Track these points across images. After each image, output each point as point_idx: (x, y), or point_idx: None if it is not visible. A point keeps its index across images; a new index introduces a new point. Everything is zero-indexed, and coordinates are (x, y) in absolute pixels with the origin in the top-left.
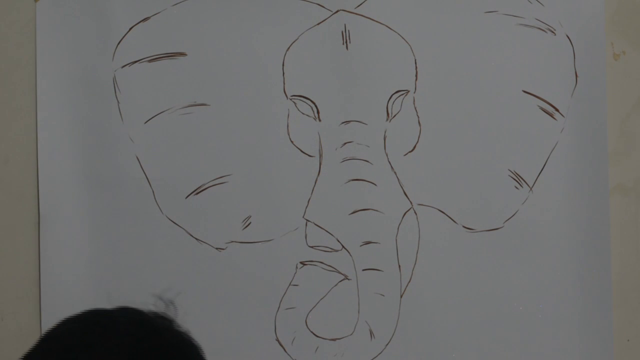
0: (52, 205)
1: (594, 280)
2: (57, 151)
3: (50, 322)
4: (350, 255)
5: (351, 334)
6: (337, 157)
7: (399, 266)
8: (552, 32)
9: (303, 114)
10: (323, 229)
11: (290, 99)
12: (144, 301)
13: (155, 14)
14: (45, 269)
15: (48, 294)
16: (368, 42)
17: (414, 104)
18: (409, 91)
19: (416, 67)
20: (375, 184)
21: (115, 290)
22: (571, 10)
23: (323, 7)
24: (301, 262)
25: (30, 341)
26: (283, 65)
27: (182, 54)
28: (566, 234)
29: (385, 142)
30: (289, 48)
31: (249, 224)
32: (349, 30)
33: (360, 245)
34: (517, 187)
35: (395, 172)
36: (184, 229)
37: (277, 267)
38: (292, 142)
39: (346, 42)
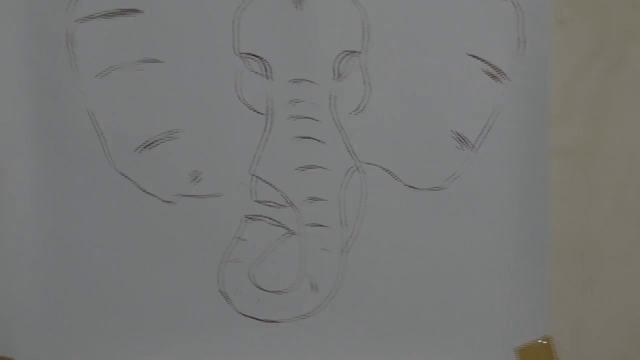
0: (2, 155)
1: (532, 239)
2: (8, 101)
3: None
4: (296, 210)
5: (294, 287)
6: (286, 115)
7: (343, 222)
8: None
9: (253, 71)
10: (269, 184)
11: (241, 57)
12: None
13: None
14: None
15: None
16: (320, 4)
17: (362, 65)
18: (358, 52)
19: (365, 29)
20: (322, 142)
21: (64, 239)
22: None
23: None
24: (247, 216)
25: None
26: (235, 23)
27: (138, 11)
28: (508, 193)
29: (334, 101)
30: (239, 6)
31: (197, 178)
32: None
33: (305, 201)
34: (459, 148)
35: (342, 131)
36: (133, 181)
37: (223, 221)
38: (241, 99)
39: (298, 2)
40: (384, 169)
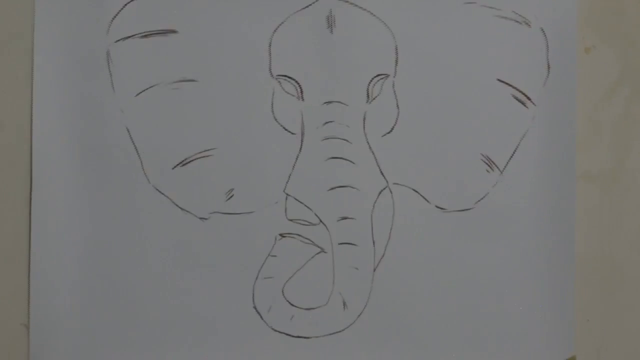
0: (45, 171)
1: (558, 262)
2: (51, 120)
3: (38, 283)
4: (327, 229)
5: (325, 304)
6: (318, 136)
7: (373, 241)
8: (528, 24)
9: (287, 93)
10: (302, 203)
11: (276, 78)
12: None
13: None
14: (35, 231)
15: (37, 256)
16: (352, 27)
17: (393, 87)
18: (389, 75)
19: (397, 53)
20: (353, 163)
21: (102, 253)
22: (546, 5)
23: None
24: (280, 234)
25: (18, 302)
26: (270, 45)
27: (174, 31)
28: (534, 216)
29: (365, 123)
30: (276, 29)
31: (231, 196)
32: (334, 15)
33: (337, 220)
34: (488, 171)
35: (373, 152)
36: (169, 198)
37: (257, 238)
38: (275, 119)
39: (331, 26)
40: (413, 189)
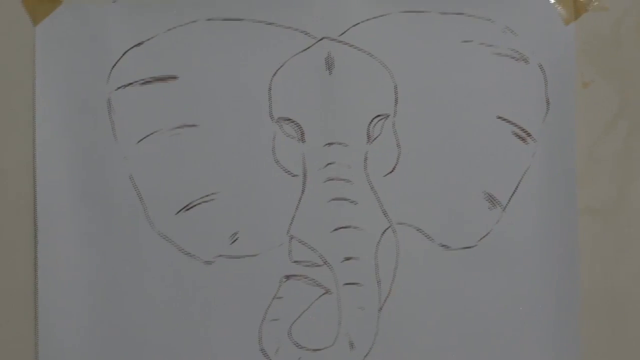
0: (49, 220)
1: (563, 297)
2: (53, 169)
3: (46, 331)
4: (332, 270)
5: (332, 345)
6: (320, 177)
7: (378, 281)
8: (525, 61)
9: (288, 135)
10: (306, 244)
11: (276, 122)
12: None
13: (149, 39)
14: (42, 280)
15: (44, 304)
16: (350, 69)
17: (393, 127)
18: (389, 115)
19: (396, 93)
20: (356, 203)
21: (108, 300)
22: (543, 41)
23: (308, 34)
24: (285, 276)
25: (25, 349)
26: (269, 89)
27: (174, 77)
28: (537, 252)
29: (366, 163)
30: (275, 73)
31: (236, 239)
32: (332, 57)
33: (342, 261)
34: (490, 208)
35: (375, 192)
36: (174, 243)
37: (262, 280)
38: (277, 162)
39: (330, 67)
40: (416, 228)
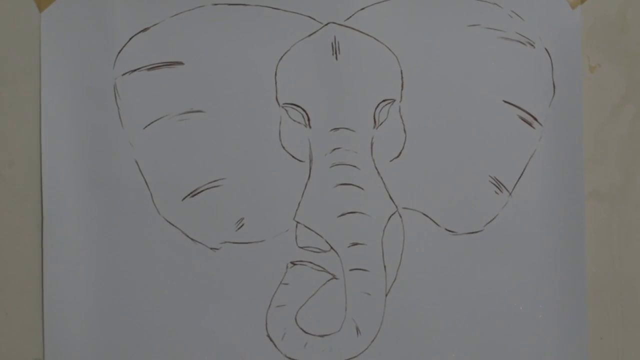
0: (55, 207)
1: (569, 281)
2: (60, 155)
3: (52, 317)
4: (338, 255)
5: (339, 331)
6: (327, 163)
7: (385, 266)
8: (532, 45)
9: (294, 121)
10: (312, 230)
11: (282, 107)
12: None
13: (155, 25)
14: (48, 266)
15: (51, 291)
16: (356, 53)
17: (399, 112)
18: (395, 100)
19: (402, 77)
20: (362, 188)
21: (114, 287)
22: (550, 25)
23: (314, 19)
24: (291, 262)
25: (32, 336)
26: (276, 74)
27: (180, 63)
28: (543, 236)
29: (372, 148)
30: (281, 58)
31: (242, 225)
32: (338, 42)
33: (348, 247)
34: (497, 192)
35: (381, 177)
36: (180, 229)
37: (268, 266)
38: (283, 147)
39: (336, 52)
40: (422, 213)
